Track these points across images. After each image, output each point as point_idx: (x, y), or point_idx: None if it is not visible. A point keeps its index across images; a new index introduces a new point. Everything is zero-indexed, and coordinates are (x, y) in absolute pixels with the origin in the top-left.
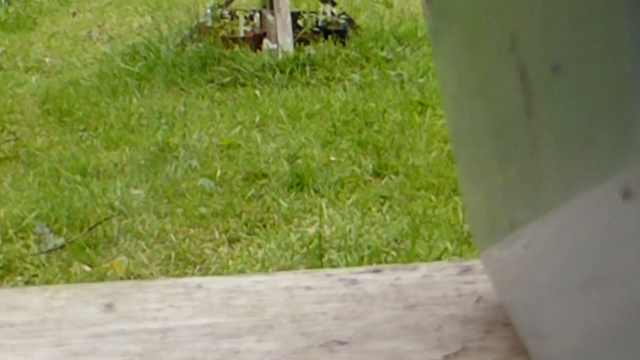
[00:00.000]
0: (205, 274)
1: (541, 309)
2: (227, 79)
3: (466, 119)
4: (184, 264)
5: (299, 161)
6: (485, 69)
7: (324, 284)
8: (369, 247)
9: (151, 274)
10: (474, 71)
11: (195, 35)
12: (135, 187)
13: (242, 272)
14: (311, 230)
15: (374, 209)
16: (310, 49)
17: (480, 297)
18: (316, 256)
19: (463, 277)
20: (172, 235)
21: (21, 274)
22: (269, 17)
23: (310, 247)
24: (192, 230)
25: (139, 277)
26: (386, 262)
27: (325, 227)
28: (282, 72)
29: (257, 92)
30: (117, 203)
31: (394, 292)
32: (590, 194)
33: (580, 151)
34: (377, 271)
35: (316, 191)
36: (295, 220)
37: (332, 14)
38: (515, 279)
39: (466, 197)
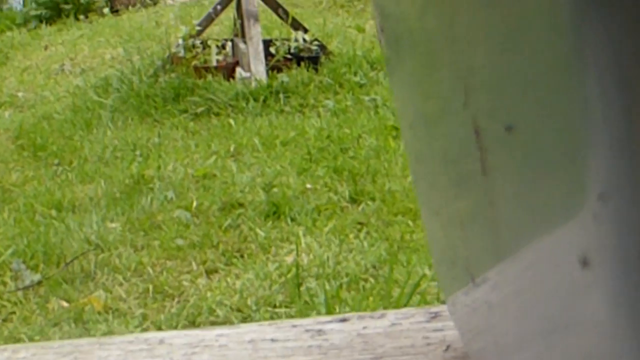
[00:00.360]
0: (183, 307)
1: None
2: (200, 109)
3: (424, 152)
4: (161, 296)
5: (275, 190)
6: (440, 116)
7: (289, 336)
8: (347, 274)
9: (129, 307)
10: (429, 109)
11: (167, 66)
12: (111, 221)
13: (220, 303)
14: (289, 259)
15: (351, 236)
16: (283, 77)
17: (449, 345)
18: (294, 285)
19: (431, 324)
20: (149, 268)
21: None
22: (241, 45)
23: (288, 276)
24: (169, 263)
25: (117, 311)
26: (364, 289)
27: (303, 255)
28: (255, 100)
29: (232, 121)
30: (93, 237)
31: (361, 342)
32: (548, 258)
33: (537, 215)
34: (343, 320)
35: (293, 219)
36: (273, 249)
37: (304, 40)
38: (479, 328)
39: (428, 236)
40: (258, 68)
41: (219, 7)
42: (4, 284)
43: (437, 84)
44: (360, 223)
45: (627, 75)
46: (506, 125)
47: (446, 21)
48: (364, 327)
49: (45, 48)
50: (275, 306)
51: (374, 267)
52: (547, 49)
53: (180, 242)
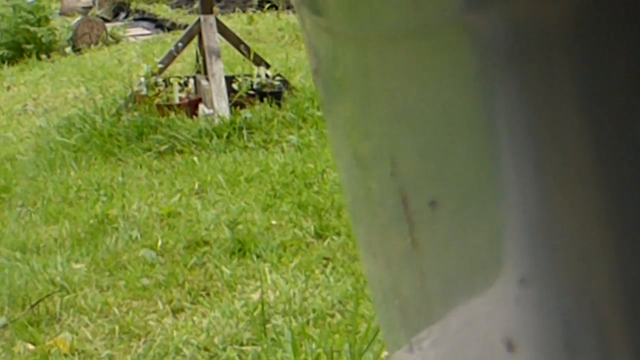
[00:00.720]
0: (150, 347)
1: None
2: (164, 147)
3: (360, 196)
4: (128, 337)
5: (240, 226)
6: (371, 175)
7: None
8: (313, 311)
9: (95, 349)
10: (361, 161)
11: (130, 104)
12: (76, 261)
13: (187, 342)
14: (255, 296)
15: (317, 271)
16: (246, 113)
17: None
18: (261, 323)
19: None
20: (115, 309)
21: None
22: (204, 82)
23: (255, 313)
24: (135, 303)
25: (83, 352)
26: (331, 325)
27: (269, 292)
28: (219, 137)
29: (195, 159)
30: (58, 278)
31: None
32: (475, 337)
33: (464, 293)
34: None
35: (258, 256)
36: (239, 286)
37: (267, 76)
38: None
39: (368, 279)
40: (221, 104)
41: (180, 44)
42: None
43: (367, 138)
44: (325, 258)
45: (543, 162)
46: (430, 200)
47: (373, 79)
48: None
49: (8, 88)
50: (242, 344)
51: (340, 302)
52: (466, 131)
53: (145, 281)
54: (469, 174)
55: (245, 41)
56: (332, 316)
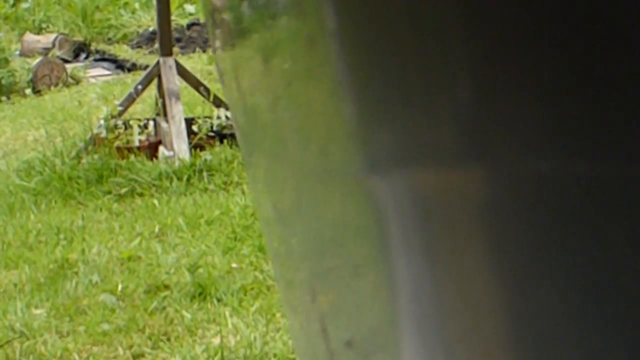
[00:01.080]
0: None
1: None
2: (124, 190)
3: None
4: None
5: (201, 270)
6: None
7: None
8: (275, 355)
9: None
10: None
11: (90, 147)
12: (36, 307)
13: None
14: (216, 341)
15: (278, 315)
16: (206, 155)
17: None
18: None
19: None
20: (75, 355)
21: None
22: (163, 124)
23: (216, 358)
24: (95, 348)
25: None
26: None
27: (230, 336)
28: (179, 179)
29: (155, 202)
30: (18, 324)
31: None
32: None
33: None
34: None
35: (219, 300)
36: (200, 331)
37: (227, 117)
38: None
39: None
40: (181, 147)
41: (139, 87)
42: None
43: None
44: None
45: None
46: (346, 339)
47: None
48: None
49: None
50: None
51: None
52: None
53: (106, 326)
54: (385, 311)
55: (206, 82)
56: None
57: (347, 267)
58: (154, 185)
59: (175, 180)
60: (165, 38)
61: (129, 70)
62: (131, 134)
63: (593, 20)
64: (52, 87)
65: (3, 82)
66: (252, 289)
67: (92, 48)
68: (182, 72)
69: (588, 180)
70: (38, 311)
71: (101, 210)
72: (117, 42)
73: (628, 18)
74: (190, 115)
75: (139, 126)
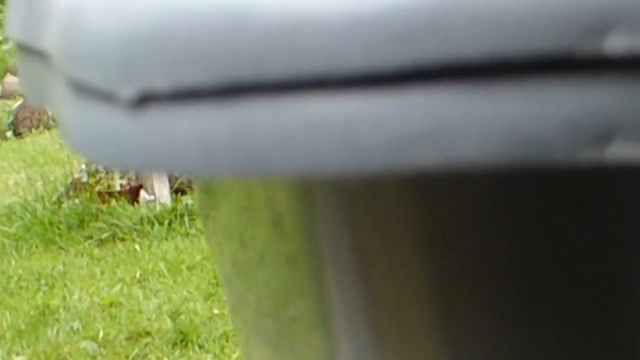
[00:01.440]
0: None
1: None
2: (105, 235)
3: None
4: None
5: (182, 317)
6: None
7: None
8: None
9: None
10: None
11: (71, 192)
12: (17, 354)
13: None
14: None
15: None
16: (187, 199)
17: None
18: None
19: None
20: None
21: None
22: None
23: None
24: None
25: None
26: None
27: None
28: (160, 224)
29: (137, 246)
30: None
31: None
32: None
33: None
34: None
35: (201, 347)
36: None
37: None
38: None
39: None
40: (162, 191)
41: None
42: None
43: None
44: None
45: None
46: None
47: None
48: None
49: None
50: None
51: None
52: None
53: None
54: None
55: None
56: None
57: (305, 319)
58: (135, 230)
59: (156, 224)
60: None
61: None
62: (112, 178)
63: None
64: (33, 130)
65: None
66: (234, 335)
67: None
68: None
69: None
70: (19, 358)
71: (82, 255)
72: None
73: None
74: None
75: (120, 170)
